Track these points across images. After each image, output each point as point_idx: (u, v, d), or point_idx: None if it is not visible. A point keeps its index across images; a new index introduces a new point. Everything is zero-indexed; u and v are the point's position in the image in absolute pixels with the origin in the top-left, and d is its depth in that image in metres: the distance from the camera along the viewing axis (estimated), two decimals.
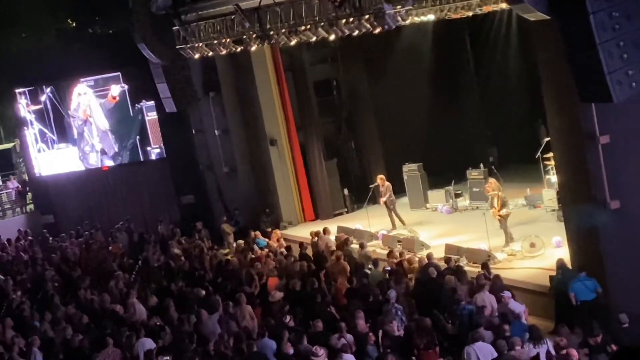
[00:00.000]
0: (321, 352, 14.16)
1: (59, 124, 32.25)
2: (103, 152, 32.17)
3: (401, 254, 20.04)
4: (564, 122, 17.00)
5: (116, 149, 31.94)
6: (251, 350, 14.86)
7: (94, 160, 32.38)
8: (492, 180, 23.75)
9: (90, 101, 31.78)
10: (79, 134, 32.33)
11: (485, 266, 18.12)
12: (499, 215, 21.34)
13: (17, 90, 32.46)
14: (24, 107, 32.28)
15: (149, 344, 15.97)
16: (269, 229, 26.37)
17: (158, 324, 17.32)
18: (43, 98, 32.15)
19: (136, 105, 31.10)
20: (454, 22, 22.31)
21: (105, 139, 32.05)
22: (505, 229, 21.33)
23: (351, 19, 18.10)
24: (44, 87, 32.03)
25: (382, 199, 25.01)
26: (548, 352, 13.85)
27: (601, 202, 16.29)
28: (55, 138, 32.31)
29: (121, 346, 16.35)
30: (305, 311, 17.05)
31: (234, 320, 17.18)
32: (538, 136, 24.52)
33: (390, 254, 20.13)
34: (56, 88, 32.03)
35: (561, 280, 17.14)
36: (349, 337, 15.06)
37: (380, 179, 25.17)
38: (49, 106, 31.89)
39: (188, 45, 23.13)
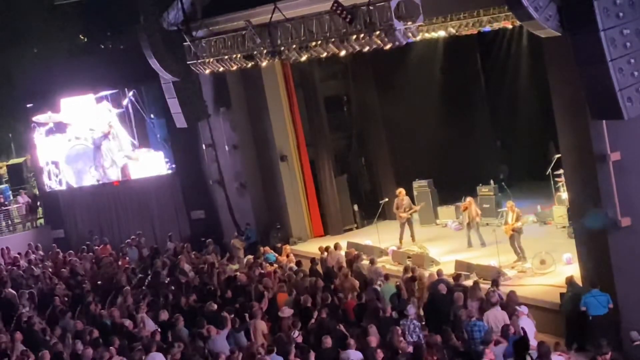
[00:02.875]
0: None
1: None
2: (124, 171, 32.29)
3: (413, 270, 19.98)
4: (575, 139, 16.99)
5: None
6: None
7: (115, 176, 32.44)
8: (469, 199, 23.72)
9: (111, 117, 31.89)
10: (96, 148, 32.40)
11: (495, 283, 18.04)
12: (512, 230, 21.23)
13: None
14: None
15: (159, 358, 15.95)
16: (279, 245, 26.36)
17: (158, 339, 17.30)
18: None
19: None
20: (464, 38, 22.34)
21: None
22: (516, 244, 21.23)
23: (362, 35, 18.14)
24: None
25: (405, 214, 24.78)
26: None
27: (612, 218, 16.26)
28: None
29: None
30: (315, 327, 17.01)
31: (245, 335, 17.16)
32: (548, 153, 24.49)
33: (405, 270, 20.06)
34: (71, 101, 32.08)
35: (571, 297, 17.08)
36: (358, 354, 15.02)
37: (400, 192, 25.01)
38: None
39: (199, 61, 23.23)
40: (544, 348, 14.03)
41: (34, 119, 32.31)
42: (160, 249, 27.62)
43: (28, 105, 32.41)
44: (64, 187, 32.95)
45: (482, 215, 25.32)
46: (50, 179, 32.96)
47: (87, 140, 32.36)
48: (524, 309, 16.00)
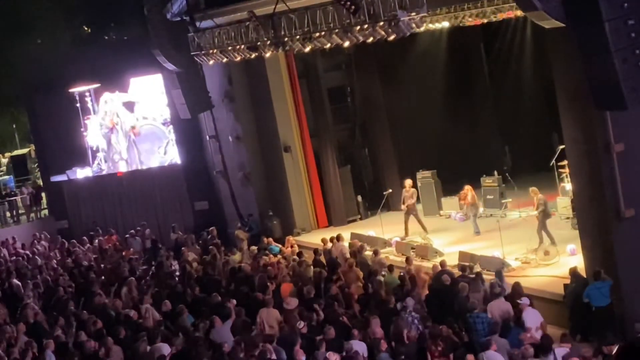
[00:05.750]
0: (334, 357, 14.15)
1: None
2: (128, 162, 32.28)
3: (408, 261, 20.01)
4: (579, 130, 16.96)
5: (142, 161, 32.04)
6: (266, 356, 14.84)
7: (124, 169, 32.41)
8: (467, 187, 23.74)
9: (118, 108, 31.84)
10: (107, 142, 32.38)
11: (498, 274, 18.04)
12: (536, 217, 21.27)
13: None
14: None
15: (165, 349, 15.98)
16: (278, 236, 26.30)
17: (162, 329, 17.34)
18: None
19: None
20: (468, 29, 22.35)
21: (131, 151, 32.10)
22: (539, 231, 21.14)
23: (365, 26, 18.12)
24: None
25: (404, 205, 24.74)
26: None
27: (616, 210, 16.25)
28: None
29: (132, 350, 16.42)
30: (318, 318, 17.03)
31: (254, 325, 17.22)
32: (552, 143, 24.47)
33: (407, 261, 20.07)
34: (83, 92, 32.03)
35: (575, 289, 17.08)
36: (362, 344, 15.04)
37: (408, 184, 24.96)
38: None
39: (202, 52, 23.22)
40: (547, 341, 14.03)
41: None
42: (163, 240, 27.67)
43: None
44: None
45: (486, 206, 25.43)
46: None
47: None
48: (525, 301, 15.98)
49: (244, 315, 17.57)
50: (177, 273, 23.03)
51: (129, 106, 31.92)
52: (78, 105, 32.18)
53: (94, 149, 32.72)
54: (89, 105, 32.33)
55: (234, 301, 18.15)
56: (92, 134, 32.55)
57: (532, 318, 15.57)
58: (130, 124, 31.82)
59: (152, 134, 32.20)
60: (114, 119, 31.94)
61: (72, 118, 32.35)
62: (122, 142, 32.10)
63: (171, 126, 31.52)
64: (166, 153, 32.06)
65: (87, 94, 32.17)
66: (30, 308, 20.38)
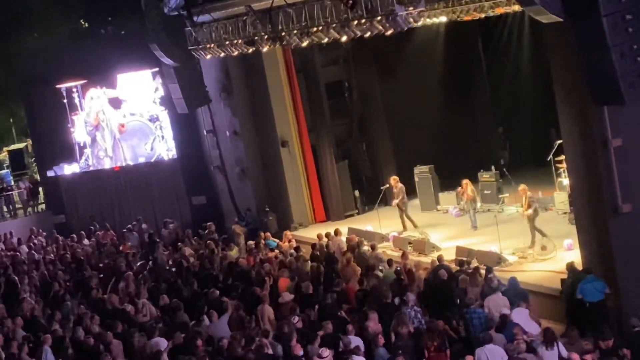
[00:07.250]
0: (326, 353, 14.15)
1: None
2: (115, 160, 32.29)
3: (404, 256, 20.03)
4: (576, 125, 16.96)
5: (126, 158, 32.02)
6: (263, 351, 14.86)
7: (108, 166, 32.38)
8: (465, 181, 23.74)
9: (103, 105, 31.80)
10: (92, 139, 32.34)
11: (489, 270, 17.99)
12: (527, 216, 21.25)
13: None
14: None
15: (162, 343, 15.98)
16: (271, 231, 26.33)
17: (159, 324, 17.34)
18: None
19: None
20: (466, 24, 22.27)
21: (116, 148, 32.09)
22: (531, 229, 21.16)
23: (363, 21, 18.11)
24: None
25: (395, 201, 24.90)
26: (560, 356, 13.77)
27: (613, 205, 16.26)
28: None
29: (129, 344, 16.44)
30: (316, 313, 17.04)
31: (250, 320, 17.23)
32: (550, 138, 24.47)
33: (403, 255, 20.06)
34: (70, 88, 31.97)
35: (572, 283, 17.10)
36: (358, 339, 15.03)
37: (394, 180, 25.06)
38: None
39: (200, 46, 23.19)
40: (551, 333, 14.05)
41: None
42: (160, 235, 27.66)
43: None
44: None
45: (484, 201, 25.42)
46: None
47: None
48: (506, 311, 15.87)
49: (241, 310, 17.60)
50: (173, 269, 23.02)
51: (116, 102, 31.93)
52: (65, 101, 32.16)
53: (81, 145, 32.71)
54: (76, 101, 32.28)
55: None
56: (79, 130, 32.53)
57: (518, 316, 15.54)
58: (117, 121, 31.81)
59: (139, 130, 32.19)
60: (100, 116, 31.91)
61: (62, 114, 32.35)
62: (108, 140, 32.11)
63: (158, 122, 31.56)
64: (153, 149, 32.06)
65: (74, 89, 32.13)
66: (28, 303, 20.41)
